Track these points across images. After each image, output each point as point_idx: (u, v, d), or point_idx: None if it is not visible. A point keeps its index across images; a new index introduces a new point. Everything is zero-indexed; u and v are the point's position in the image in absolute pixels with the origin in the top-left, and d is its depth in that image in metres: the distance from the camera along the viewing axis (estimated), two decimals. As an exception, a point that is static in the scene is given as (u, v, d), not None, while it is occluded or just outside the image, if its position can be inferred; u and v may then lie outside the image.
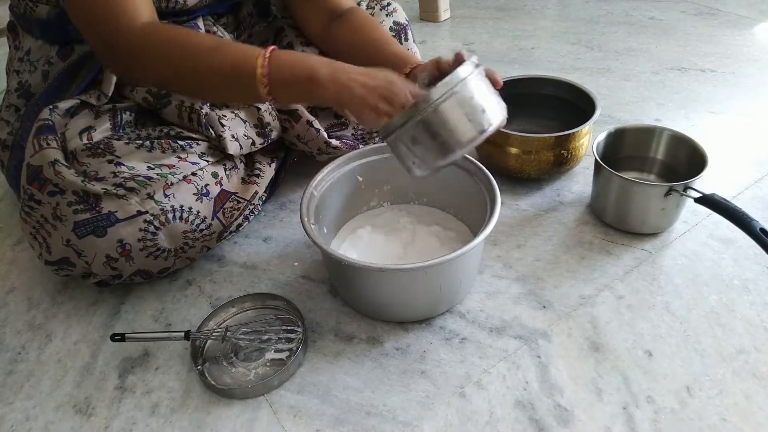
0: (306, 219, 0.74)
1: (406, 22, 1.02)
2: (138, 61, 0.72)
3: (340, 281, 0.79)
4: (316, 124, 0.93)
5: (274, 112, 0.90)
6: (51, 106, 0.79)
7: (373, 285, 0.74)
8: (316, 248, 0.90)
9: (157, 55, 0.70)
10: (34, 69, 0.86)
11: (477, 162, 0.81)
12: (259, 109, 0.87)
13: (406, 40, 1.04)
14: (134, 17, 0.70)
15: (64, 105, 0.80)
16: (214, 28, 0.88)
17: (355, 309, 0.80)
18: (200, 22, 0.86)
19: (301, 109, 0.92)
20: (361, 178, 0.88)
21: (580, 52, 1.44)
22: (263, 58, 0.66)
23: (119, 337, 0.74)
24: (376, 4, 1.01)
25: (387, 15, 1.02)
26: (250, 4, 0.97)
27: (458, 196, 0.86)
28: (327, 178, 0.84)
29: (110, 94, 0.81)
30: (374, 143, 1.05)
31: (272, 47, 0.68)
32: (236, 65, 0.68)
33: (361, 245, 0.85)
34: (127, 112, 0.82)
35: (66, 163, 0.73)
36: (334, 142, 0.96)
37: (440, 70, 0.80)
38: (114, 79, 0.81)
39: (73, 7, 0.72)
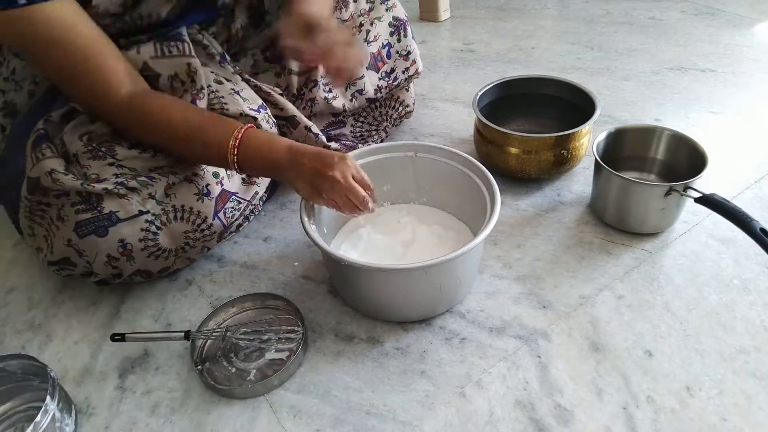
0: (306, 219, 0.74)
1: (405, 18, 1.02)
2: (123, 131, 0.77)
3: (340, 281, 0.79)
4: (315, 129, 0.93)
5: (271, 120, 0.89)
6: (45, 116, 0.78)
7: (373, 284, 0.74)
8: (316, 248, 0.90)
9: (139, 130, 0.76)
10: (20, 88, 0.84)
11: (477, 162, 0.81)
12: (255, 119, 0.85)
13: (405, 36, 1.04)
14: (111, 94, 0.72)
15: (58, 113, 0.79)
16: (200, 36, 0.86)
17: (354, 308, 0.80)
18: (184, 31, 0.82)
19: (299, 115, 0.92)
20: None
21: (580, 51, 1.44)
22: (233, 147, 0.72)
23: (119, 337, 0.74)
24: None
25: (386, 10, 1.02)
26: (244, 16, 0.93)
27: (458, 196, 0.86)
28: None
29: None
30: (374, 142, 1.05)
31: (244, 128, 0.73)
32: (211, 148, 0.73)
33: (361, 245, 0.85)
34: None
35: (63, 171, 0.72)
36: (333, 144, 0.96)
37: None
38: None
39: (57, 83, 0.76)
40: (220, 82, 0.85)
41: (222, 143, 0.72)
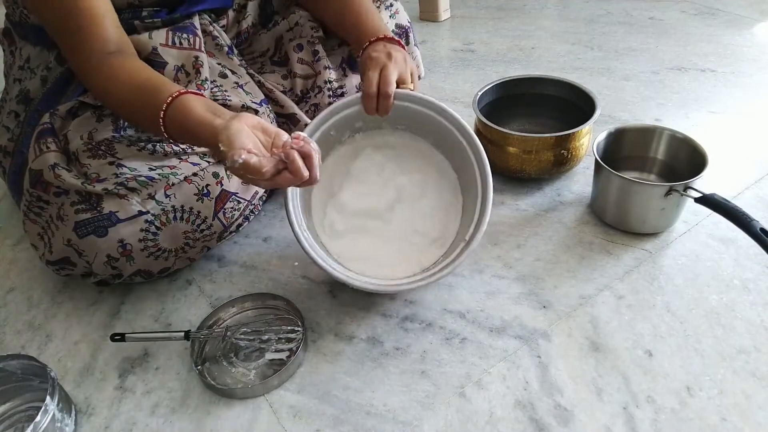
0: (296, 223, 0.74)
1: (409, 24, 1.02)
2: (92, 90, 0.76)
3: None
4: None
5: (272, 115, 0.90)
6: (52, 110, 0.79)
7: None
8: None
9: (101, 88, 0.72)
10: (34, 75, 0.86)
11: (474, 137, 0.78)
12: (257, 111, 0.87)
13: (408, 43, 1.04)
14: (91, 51, 0.71)
15: (65, 107, 0.80)
16: (211, 28, 0.88)
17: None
18: (197, 22, 0.85)
19: (299, 113, 0.92)
20: (333, 133, 0.82)
21: (580, 51, 1.44)
22: (165, 103, 0.65)
23: (119, 337, 0.74)
24: (380, 4, 1.01)
25: (390, 16, 1.02)
26: (255, 14, 0.96)
27: (433, 129, 0.81)
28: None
29: None
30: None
31: (181, 92, 0.66)
32: (146, 105, 0.67)
33: (348, 212, 0.82)
34: None
35: (66, 166, 0.73)
36: None
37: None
38: None
39: (49, 29, 0.75)
40: (224, 76, 0.86)
41: (156, 106, 0.66)
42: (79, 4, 0.70)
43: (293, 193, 0.75)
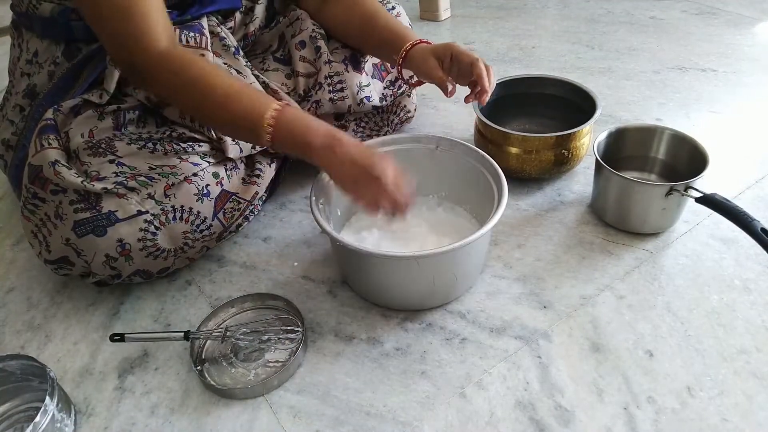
0: (314, 198, 0.76)
1: (410, 26, 1.02)
2: (154, 86, 0.75)
3: (341, 262, 0.81)
4: None
5: None
6: (55, 106, 0.79)
7: (366, 268, 0.76)
8: (317, 247, 0.90)
9: (173, 86, 0.73)
10: (41, 70, 0.86)
11: (493, 162, 0.80)
12: None
13: None
14: (152, 41, 0.71)
15: (68, 104, 0.79)
16: (218, 29, 0.88)
17: (354, 291, 0.82)
18: (205, 23, 0.85)
19: None
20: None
21: (580, 51, 1.44)
22: (271, 117, 0.70)
23: (118, 338, 0.74)
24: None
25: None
26: (262, 17, 0.97)
27: (475, 194, 0.84)
28: None
29: (112, 92, 0.81)
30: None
31: (283, 104, 0.71)
32: (246, 116, 0.71)
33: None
34: (131, 111, 0.82)
35: (66, 164, 0.73)
36: None
37: (457, 62, 0.84)
38: (116, 76, 0.80)
39: (93, 22, 0.73)
40: None
41: (258, 113, 0.70)
42: None
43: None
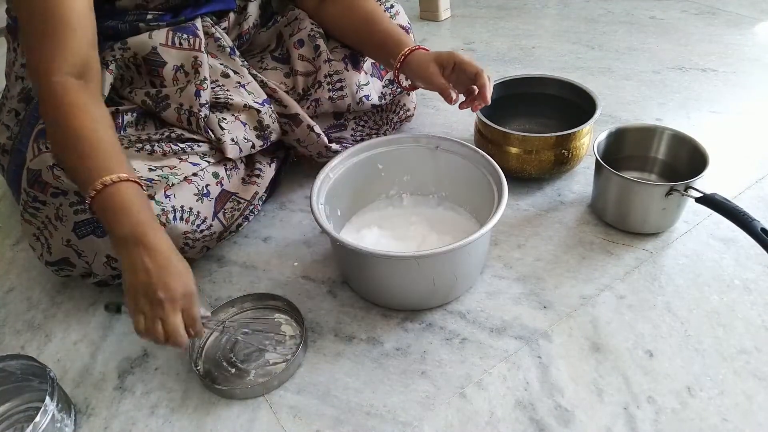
0: (315, 198, 0.76)
1: (408, 26, 1.02)
2: (41, 110, 0.70)
3: (341, 261, 0.81)
4: (317, 129, 0.93)
5: (274, 115, 0.90)
6: None
7: (367, 268, 0.76)
8: (317, 247, 0.90)
9: (46, 116, 0.68)
10: None
11: (494, 163, 0.80)
12: (259, 111, 0.87)
13: None
14: (54, 67, 0.66)
15: None
16: (213, 30, 0.88)
17: (355, 291, 0.82)
18: (199, 25, 0.85)
19: (302, 113, 0.92)
20: (381, 166, 0.88)
21: (580, 51, 1.44)
22: (100, 184, 0.61)
23: (114, 308, 0.73)
24: (380, 5, 1.01)
25: (390, 17, 1.02)
26: (257, 15, 0.97)
27: (476, 195, 0.85)
28: (344, 162, 0.85)
29: (106, 95, 0.80)
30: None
31: (125, 178, 0.63)
32: (84, 171, 0.64)
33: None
34: (129, 113, 0.82)
35: None
36: (334, 146, 0.96)
37: (460, 71, 0.82)
38: (110, 80, 0.80)
39: (23, 31, 0.70)
40: (226, 75, 0.86)
41: (94, 174, 0.62)
42: (52, 7, 0.66)
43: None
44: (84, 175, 0.63)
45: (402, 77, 0.89)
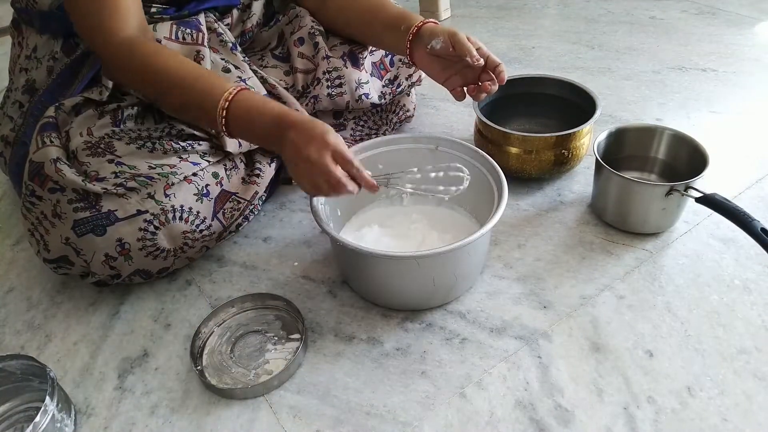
0: (315, 198, 0.76)
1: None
2: (116, 72, 0.77)
3: (341, 261, 0.81)
4: None
5: None
6: (57, 104, 0.79)
7: (366, 268, 0.76)
8: (317, 247, 0.90)
9: (131, 71, 0.75)
10: (40, 65, 0.86)
11: (494, 163, 0.80)
12: None
13: None
14: (116, 29, 0.73)
15: (70, 102, 0.80)
16: (216, 25, 0.88)
17: (355, 291, 0.82)
18: (202, 20, 0.86)
19: (302, 109, 0.92)
20: (381, 166, 0.87)
21: (580, 51, 1.44)
22: (225, 100, 0.70)
23: (289, 180, 0.83)
24: None
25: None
26: (260, 14, 0.97)
27: (475, 195, 0.84)
28: None
29: (111, 87, 0.81)
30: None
31: (240, 87, 0.72)
32: (202, 100, 0.72)
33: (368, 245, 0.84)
34: (129, 107, 0.82)
35: (68, 162, 0.73)
36: None
37: (454, 47, 0.82)
38: None
39: (69, 9, 0.75)
40: (227, 71, 0.87)
41: (215, 95, 0.71)
42: None
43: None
44: (207, 103, 0.71)
45: (416, 49, 0.88)
